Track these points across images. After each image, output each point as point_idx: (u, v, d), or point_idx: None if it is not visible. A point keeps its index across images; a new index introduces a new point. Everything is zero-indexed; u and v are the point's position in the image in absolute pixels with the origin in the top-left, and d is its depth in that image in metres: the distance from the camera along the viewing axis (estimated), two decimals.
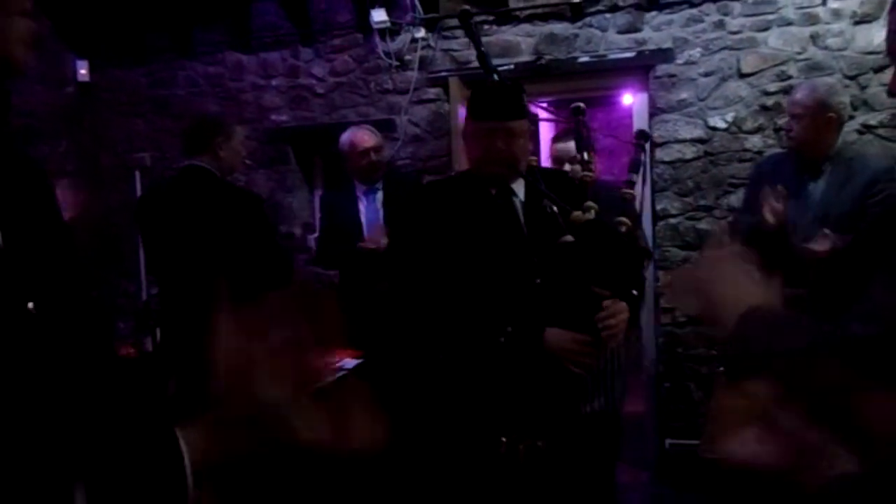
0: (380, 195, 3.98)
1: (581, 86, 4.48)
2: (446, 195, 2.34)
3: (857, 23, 3.92)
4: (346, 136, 3.93)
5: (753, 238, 3.38)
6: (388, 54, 4.55)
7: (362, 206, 3.98)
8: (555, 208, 2.15)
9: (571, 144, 3.23)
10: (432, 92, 4.53)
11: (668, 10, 4.17)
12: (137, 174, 5.03)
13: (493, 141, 2.17)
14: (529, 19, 4.35)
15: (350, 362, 3.69)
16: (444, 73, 4.43)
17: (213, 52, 4.96)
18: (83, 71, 5.13)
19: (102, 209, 5.09)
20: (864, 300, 0.93)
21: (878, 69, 3.83)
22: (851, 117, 3.65)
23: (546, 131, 6.81)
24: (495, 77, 2.39)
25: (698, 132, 4.19)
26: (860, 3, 3.90)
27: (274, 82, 4.85)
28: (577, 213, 2.04)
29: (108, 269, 5.12)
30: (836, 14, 3.95)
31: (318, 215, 4.67)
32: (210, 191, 3.22)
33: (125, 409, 0.90)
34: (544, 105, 4.62)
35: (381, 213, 3.95)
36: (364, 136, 3.90)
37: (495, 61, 4.33)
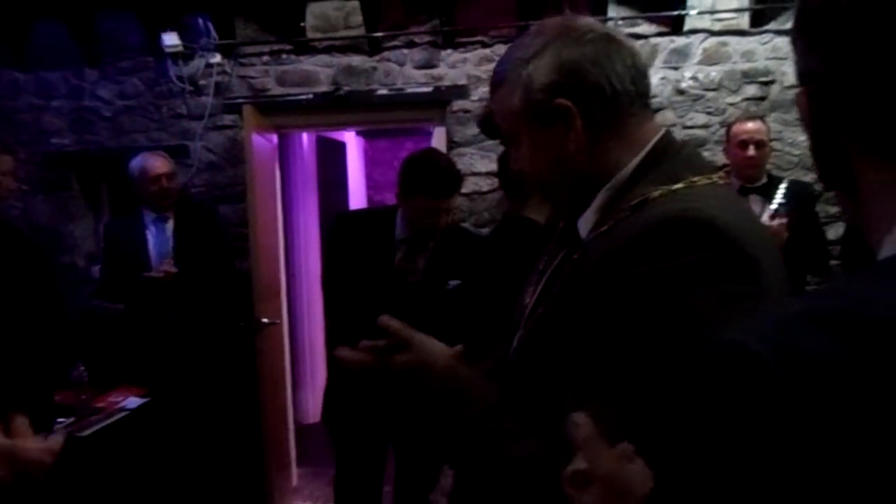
0: (170, 224, 3.83)
1: (380, 118, 4.53)
2: None
3: None
4: (136, 162, 3.76)
5: None
6: (181, 79, 4.39)
7: (150, 235, 3.80)
8: None
9: None
10: (228, 118, 4.42)
11: (461, 49, 4.32)
12: None
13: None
14: (328, 51, 4.36)
15: (133, 401, 3.49)
16: (240, 100, 4.33)
17: None
18: None
19: None
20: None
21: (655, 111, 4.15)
22: None
23: (354, 161, 6.85)
24: None
25: (492, 166, 4.35)
26: (639, 48, 4.21)
27: (55, 103, 4.53)
28: None
29: None
30: None
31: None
32: None
33: None
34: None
35: (171, 242, 3.80)
36: (156, 162, 3.76)
37: (293, 90, 4.36)
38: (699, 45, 4.20)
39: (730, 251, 0.89)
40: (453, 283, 2.75)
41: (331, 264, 3.03)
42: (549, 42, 1.08)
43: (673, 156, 1.07)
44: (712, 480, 0.45)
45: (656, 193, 1.00)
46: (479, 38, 4.32)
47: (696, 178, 1.01)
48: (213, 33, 4.30)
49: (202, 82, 4.41)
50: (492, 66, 4.21)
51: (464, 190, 4.34)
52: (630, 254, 0.93)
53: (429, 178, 2.69)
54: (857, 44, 0.54)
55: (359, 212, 3.91)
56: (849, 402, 0.41)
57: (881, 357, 0.41)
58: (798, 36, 0.60)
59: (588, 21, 1.11)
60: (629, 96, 1.07)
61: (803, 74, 0.60)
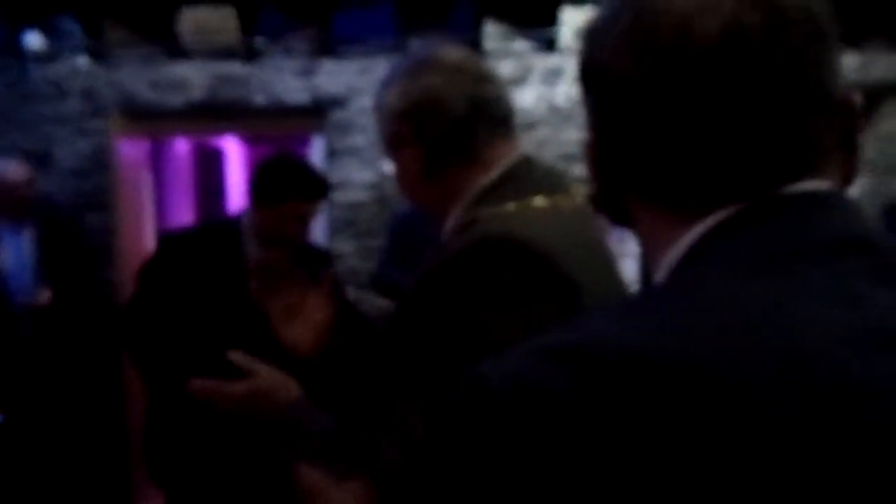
0: (28, 233, 3.65)
1: (257, 125, 4.47)
2: None
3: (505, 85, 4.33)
4: None
5: (392, 293, 3.51)
6: (45, 81, 4.19)
7: (6, 245, 3.61)
8: None
9: None
10: (95, 124, 4.24)
11: (340, 59, 4.31)
12: None
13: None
14: (203, 56, 4.26)
15: None
16: (108, 105, 4.17)
17: None
18: None
19: None
20: (398, 423, 0.95)
21: (530, 127, 4.26)
22: None
23: (235, 167, 6.72)
24: None
25: (371, 176, 4.36)
26: (513, 69, 4.31)
27: None
28: None
29: None
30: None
31: None
32: None
33: None
34: None
35: (28, 252, 3.63)
36: (9, 170, 3.57)
37: (167, 97, 4.24)
38: (572, 63, 4.33)
39: (542, 274, 0.91)
40: None
41: (146, 298, 2.46)
42: (401, 72, 1.15)
43: (521, 178, 1.09)
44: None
45: (485, 214, 1.02)
46: (357, 48, 4.32)
47: (535, 201, 1.04)
48: (81, 35, 4.13)
49: (68, 86, 4.22)
50: (370, 76, 4.28)
51: (343, 200, 4.34)
52: (440, 274, 0.96)
53: (299, 180, 2.41)
54: (615, 100, 0.57)
55: (190, 231, 3.03)
56: (573, 436, 0.42)
57: (602, 389, 0.43)
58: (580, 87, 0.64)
59: (440, 51, 1.15)
60: (468, 123, 1.11)
61: (585, 124, 0.64)
